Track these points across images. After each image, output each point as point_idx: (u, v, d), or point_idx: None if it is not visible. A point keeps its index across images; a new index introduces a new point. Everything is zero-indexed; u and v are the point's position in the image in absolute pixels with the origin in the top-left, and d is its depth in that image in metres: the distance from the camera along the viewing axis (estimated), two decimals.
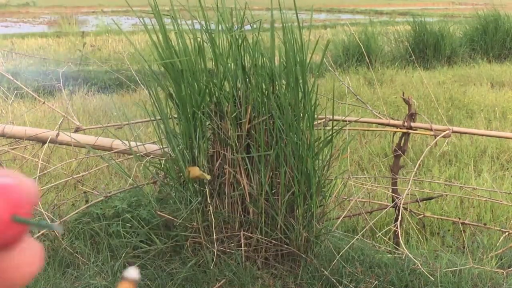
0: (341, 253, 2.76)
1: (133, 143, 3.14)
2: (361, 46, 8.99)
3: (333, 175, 2.87)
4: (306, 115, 2.65)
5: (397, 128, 3.22)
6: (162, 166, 2.94)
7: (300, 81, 2.60)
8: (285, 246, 2.75)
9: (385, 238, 3.11)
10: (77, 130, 3.55)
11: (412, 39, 10.15)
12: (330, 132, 2.73)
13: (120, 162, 3.46)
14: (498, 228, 3.25)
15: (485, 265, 2.85)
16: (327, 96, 3.03)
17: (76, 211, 3.05)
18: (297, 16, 2.51)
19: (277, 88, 2.63)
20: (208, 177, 2.66)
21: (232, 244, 2.77)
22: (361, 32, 9.98)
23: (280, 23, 2.59)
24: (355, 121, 3.20)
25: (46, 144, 3.31)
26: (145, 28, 2.65)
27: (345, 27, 11.92)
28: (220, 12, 2.62)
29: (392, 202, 3.17)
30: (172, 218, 2.77)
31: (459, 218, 3.33)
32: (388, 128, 3.58)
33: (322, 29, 15.66)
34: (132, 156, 3.05)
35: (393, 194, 3.19)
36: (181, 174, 2.75)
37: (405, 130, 3.15)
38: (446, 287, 2.66)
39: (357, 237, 2.89)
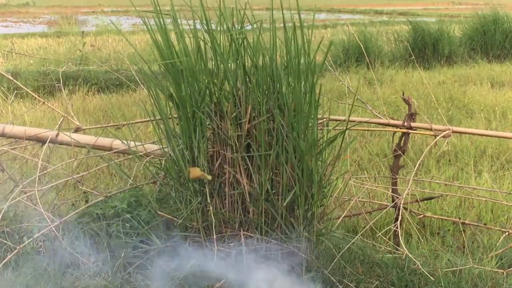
0: (341, 253, 2.76)
1: (132, 143, 3.14)
2: (361, 46, 9.00)
3: (333, 175, 2.87)
4: (309, 114, 2.65)
5: (397, 128, 3.22)
6: (162, 166, 2.94)
7: (303, 80, 2.59)
8: (286, 246, 2.75)
9: (385, 238, 3.11)
10: (77, 130, 3.55)
11: (412, 39, 10.16)
12: (333, 132, 2.73)
13: (120, 162, 3.46)
14: (498, 228, 3.25)
15: (485, 265, 2.85)
16: (327, 96, 3.04)
17: (76, 211, 3.04)
18: (299, 14, 2.51)
19: (278, 87, 2.62)
20: (209, 177, 2.66)
21: (232, 244, 2.76)
22: (361, 32, 9.99)
23: (280, 23, 2.59)
24: (356, 122, 3.20)
25: (46, 144, 3.31)
26: (147, 27, 2.65)
27: (345, 27, 11.92)
28: (221, 12, 2.62)
29: (392, 202, 3.17)
30: (172, 218, 2.77)
31: (459, 218, 3.33)
32: (388, 128, 3.58)
33: (322, 29, 15.66)
34: (132, 156, 3.05)
35: (393, 194, 3.19)
36: (181, 174, 2.75)
37: (405, 130, 3.15)
38: (446, 287, 2.66)
39: (357, 237, 2.89)
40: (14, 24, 20.32)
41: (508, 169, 4.56)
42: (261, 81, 2.63)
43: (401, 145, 3.16)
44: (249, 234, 2.73)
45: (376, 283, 2.69)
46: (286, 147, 2.64)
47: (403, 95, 3.19)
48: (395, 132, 3.27)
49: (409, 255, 2.68)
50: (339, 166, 2.93)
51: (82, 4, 32.26)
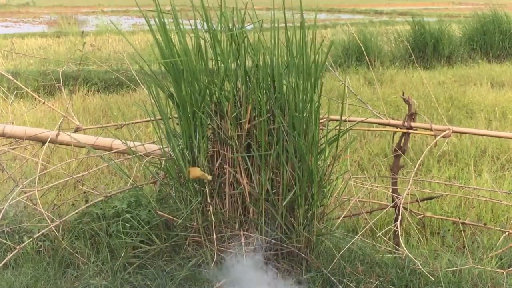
0: (341, 252, 2.76)
1: (132, 143, 3.14)
2: (361, 46, 9.00)
3: (334, 175, 2.87)
4: (310, 114, 2.65)
5: (397, 128, 3.22)
6: (162, 166, 2.94)
7: (302, 81, 2.59)
8: (286, 245, 2.75)
9: (385, 238, 3.11)
10: (77, 130, 3.55)
11: (412, 39, 10.16)
12: (335, 132, 2.72)
13: (120, 162, 3.46)
14: (498, 228, 3.25)
15: (485, 265, 2.85)
16: (327, 96, 3.04)
17: (76, 211, 3.04)
18: (301, 14, 2.51)
19: (279, 87, 2.62)
20: (209, 177, 2.66)
21: (232, 244, 2.76)
22: (361, 32, 9.99)
23: (281, 23, 2.58)
24: (356, 122, 3.19)
25: (46, 144, 3.31)
26: (149, 26, 2.65)
27: (345, 27, 11.92)
28: (221, 11, 2.62)
29: (392, 202, 3.16)
30: (172, 218, 2.77)
31: (459, 218, 3.33)
32: (388, 128, 3.58)
33: (322, 29, 15.66)
34: (132, 156, 3.05)
35: (393, 194, 3.19)
36: (181, 174, 2.75)
37: (405, 130, 3.15)
38: (446, 287, 2.66)
39: (357, 236, 2.89)
40: (14, 24, 20.31)
41: (508, 169, 4.56)
42: (261, 80, 2.63)
43: (401, 145, 3.16)
44: (249, 234, 2.73)
45: (376, 283, 2.69)
46: (286, 147, 2.64)
47: (403, 95, 3.19)
48: (395, 132, 3.27)
49: (409, 255, 2.68)
50: (339, 166, 2.93)
51: (82, 4, 32.25)
